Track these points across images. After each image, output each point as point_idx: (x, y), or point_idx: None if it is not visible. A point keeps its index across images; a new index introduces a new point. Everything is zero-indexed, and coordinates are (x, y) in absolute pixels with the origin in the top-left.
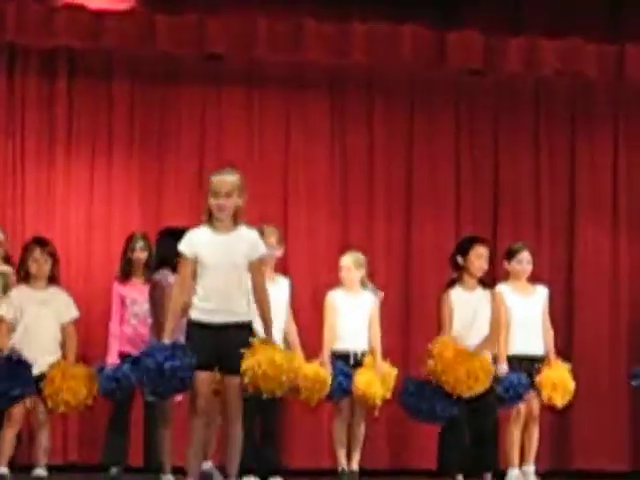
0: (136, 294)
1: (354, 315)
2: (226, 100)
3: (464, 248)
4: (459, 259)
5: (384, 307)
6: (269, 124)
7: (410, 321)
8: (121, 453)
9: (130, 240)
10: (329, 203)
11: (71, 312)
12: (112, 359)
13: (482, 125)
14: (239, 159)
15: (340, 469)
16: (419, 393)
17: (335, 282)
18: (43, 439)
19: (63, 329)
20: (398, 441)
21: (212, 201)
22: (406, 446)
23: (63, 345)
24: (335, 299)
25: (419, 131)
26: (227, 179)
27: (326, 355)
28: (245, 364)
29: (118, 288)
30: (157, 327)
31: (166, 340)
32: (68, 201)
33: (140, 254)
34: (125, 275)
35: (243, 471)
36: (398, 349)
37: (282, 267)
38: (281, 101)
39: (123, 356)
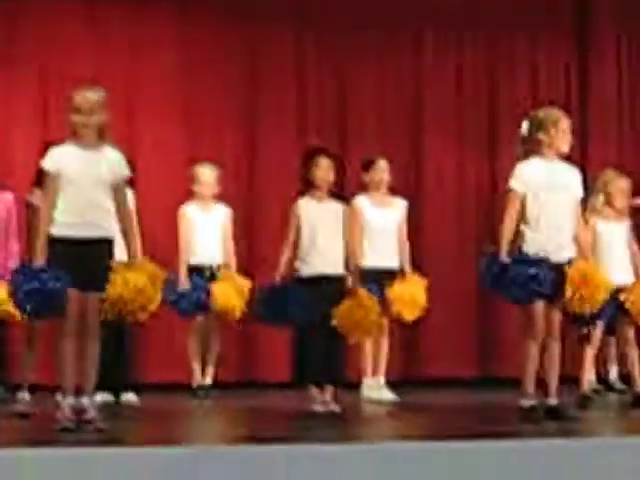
0: None
1: (208, 228)
2: (69, 17)
3: (308, 160)
4: (304, 172)
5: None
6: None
7: (256, 233)
8: None
9: None
10: (177, 116)
11: None
12: None
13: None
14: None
15: (195, 384)
16: (271, 299)
17: (187, 196)
18: None
19: None
20: (249, 354)
21: (75, 118)
22: (257, 359)
23: None
24: (189, 213)
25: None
26: (90, 96)
27: (182, 270)
28: (108, 288)
29: None
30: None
31: (39, 261)
32: None
33: None
34: None
35: (96, 387)
36: (244, 261)
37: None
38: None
39: None
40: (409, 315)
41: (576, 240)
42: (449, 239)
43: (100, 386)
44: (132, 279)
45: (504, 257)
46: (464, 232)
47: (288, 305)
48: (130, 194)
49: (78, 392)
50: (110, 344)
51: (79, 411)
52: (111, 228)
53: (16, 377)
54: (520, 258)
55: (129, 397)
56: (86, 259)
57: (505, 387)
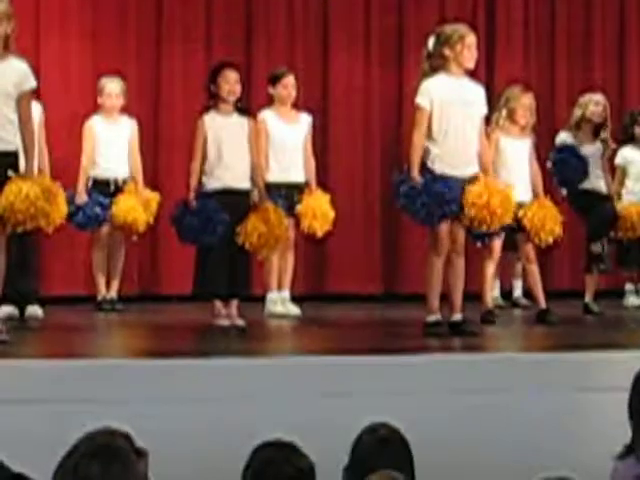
0: None
1: (114, 141)
2: None
3: (214, 74)
4: (211, 86)
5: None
6: None
7: (162, 147)
8: None
9: None
10: (83, 28)
11: None
12: None
13: None
14: None
15: (100, 297)
16: (186, 216)
17: (91, 109)
18: None
19: None
20: (152, 267)
21: None
22: (160, 272)
23: None
24: (94, 126)
25: None
26: None
27: (81, 183)
28: (0, 197)
29: None
30: None
31: None
32: None
33: None
34: None
35: (1, 300)
36: (150, 175)
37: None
38: None
39: None
40: (320, 229)
41: (479, 158)
42: (354, 156)
43: (4, 299)
44: (24, 189)
45: (415, 177)
46: (370, 150)
47: (203, 226)
48: (38, 107)
49: None
50: (14, 257)
51: None
52: (15, 140)
53: None
54: (427, 179)
55: (34, 310)
56: None
57: (410, 303)
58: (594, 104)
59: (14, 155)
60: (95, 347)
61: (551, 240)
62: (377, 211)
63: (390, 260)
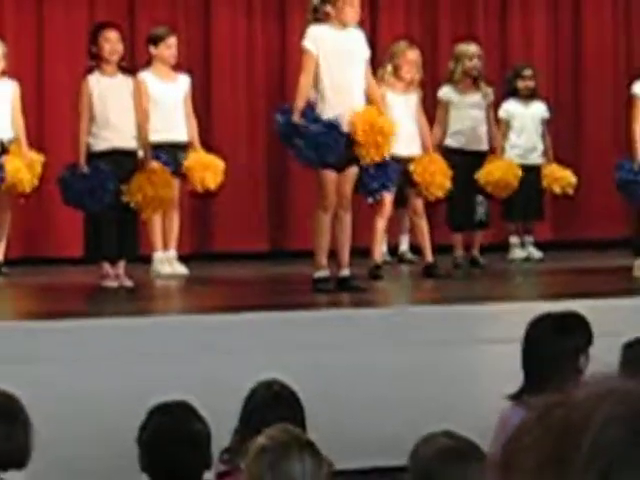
0: None
1: None
2: None
3: (95, 34)
4: (92, 47)
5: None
6: None
7: (45, 108)
8: None
9: None
10: None
11: None
12: None
13: None
14: None
15: None
16: (74, 182)
17: None
18: None
19: None
20: (38, 229)
21: None
22: (46, 234)
23: None
24: None
25: None
26: None
27: None
28: None
29: None
30: None
31: None
32: None
33: None
34: None
35: None
36: (34, 137)
37: None
38: None
39: None
40: (213, 181)
41: (368, 93)
42: (239, 113)
43: None
44: None
45: (297, 118)
46: (254, 107)
47: (91, 192)
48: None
49: None
50: None
51: None
52: None
53: None
54: (313, 119)
55: None
56: None
57: (298, 260)
58: (468, 59)
59: None
60: None
61: (441, 194)
62: (262, 169)
63: (277, 217)
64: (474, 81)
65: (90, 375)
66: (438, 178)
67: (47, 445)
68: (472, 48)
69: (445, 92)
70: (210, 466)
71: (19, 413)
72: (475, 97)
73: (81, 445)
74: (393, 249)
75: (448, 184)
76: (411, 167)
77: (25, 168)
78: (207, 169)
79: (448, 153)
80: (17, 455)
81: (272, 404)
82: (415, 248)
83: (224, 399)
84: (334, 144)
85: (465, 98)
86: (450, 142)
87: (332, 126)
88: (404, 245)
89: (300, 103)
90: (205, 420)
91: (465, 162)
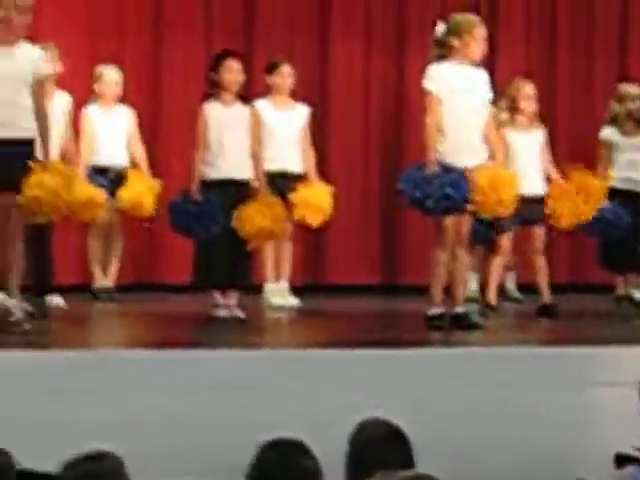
0: None
1: (112, 130)
2: None
3: (217, 62)
4: (212, 75)
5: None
6: None
7: (160, 136)
8: None
9: None
10: (80, 16)
11: None
12: None
13: None
14: None
15: (96, 286)
16: (184, 208)
17: (88, 97)
18: None
19: None
20: (147, 255)
21: None
22: (160, 260)
23: None
24: (90, 114)
25: None
26: None
27: (82, 170)
28: (24, 190)
29: None
30: None
31: None
32: None
33: None
34: None
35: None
36: (149, 165)
37: None
38: None
39: None
40: (313, 220)
41: (488, 141)
42: (354, 146)
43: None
44: (47, 181)
45: (431, 162)
46: (370, 140)
47: (199, 220)
48: (67, 98)
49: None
50: (32, 247)
51: (4, 313)
52: (33, 128)
53: None
54: (435, 173)
55: (56, 300)
56: (6, 158)
57: (409, 294)
58: (631, 101)
59: (31, 143)
60: (94, 338)
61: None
62: (376, 201)
63: (389, 250)
64: (637, 122)
65: (197, 406)
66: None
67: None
68: (634, 90)
69: (608, 134)
70: None
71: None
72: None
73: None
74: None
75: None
76: (546, 202)
77: (146, 191)
78: (310, 207)
79: (615, 195)
80: None
81: (382, 443)
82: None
83: (330, 435)
84: (457, 194)
85: (630, 140)
86: (618, 184)
87: (453, 173)
88: (511, 283)
89: (431, 152)
90: (315, 457)
91: (635, 205)
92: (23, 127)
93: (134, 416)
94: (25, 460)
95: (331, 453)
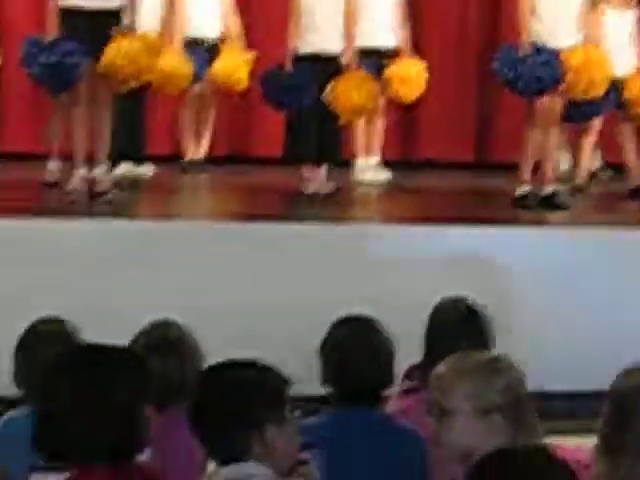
0: None
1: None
2: None
3: None
4: None
5: None
6: None
7: (255, 9)
8: None
9: None
10: None
11: None
12: None
13: None
14: None
15: (187, 157)
16: (277, 81)
17: None
18: None
19: None
20: (241, 128)
21: None
22: (252, 133)
23: None
24: None
25: None
26: None
27: (177, 41)
28: (102, 55)
29: None
30: None
31: (52, 32)
32: None
33: None
34: None
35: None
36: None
37: None
38: None
39: None
40: (408, 95)
41: (582, 20)
42: (450, 21)
43: (119, 158)
44: (125, 46)
45: (524, 49)
46: (466, 15)
47: (291, 93)
48: None
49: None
50: (125, 115)
51: (92, 182)
52: None
53: (44, 147)
54: (529, 53)
55: (145, 169)
56: (93, 29)
57: (502, 172)
58: None
59: (118, 13)
60: (179, 209)
61: None
62: (472, 78)
63: (483, 127)
64: None
65: (282, 281)
66: None
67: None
68: None
69: None
70: (392, 382)
71: (179, 345)
72: None
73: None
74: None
75: None
76: (624, 87)
77: (240, 65)
78: (404, 82)
79: None
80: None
81: (459, 322)
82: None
83: (407, 314)
84: (551, 78)
85: None
86: None
87: (547, 54)
88: (597, 162)
89: (524, 33)
90: (389, 336)
91: None
92: None
93: (215, 288)
94: (101, 329)
95: (406, 332)
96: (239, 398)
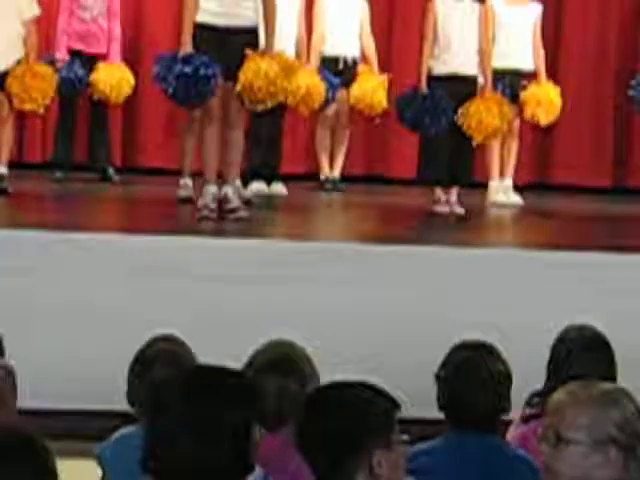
0: None
1: (345, 19)
2: None
3: None
4: None
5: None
6: None
7: (394, 31)
8: (67, 152)
9: None
10: None
11: (33, 9)
12: (61, 54)
13: None
14: None
15: (323, 176)
16: (413, 103)
17: None
18: (5, 137)
19: (24, 26)
20: (377, 149)
21: None
22: (385, 154)
23: (24, 43)
24: (325, 2)
25: None
26: None
27: (313, 60)
28: (239, 75)
29: None
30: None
31: (186, 48)
32: None
33: None
34: None
35: (252, 176)
36: (381, 58)
37: None
38: None
39: (73, 53)
40: (544, 118)
41: None
42: (589, 45)
43: (254, 176)
44: (263, 67)
45: None
46: (605, 40)
47: (427, 114)
48: None
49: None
50: (261, 134)
51: (222, 200)
52: (255, 17)
53: (178, 164)
54: None
55: (278, 188)
56: (229, 48)
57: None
58: None
59: (253, 32)
60: (310, 228)
61: None
62: (609, 103)
63: (621, 153)
64: None
65: (409, 303)
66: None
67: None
68: None
69: None
70: (508, 409)
71: (294, 366)
72: None
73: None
74: None
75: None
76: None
77: (378, 88)
78: (540, 105)
79: None
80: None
81: (584, 351)
82: None
83: (532, 340)
84: None
85: None
86: None
87: None
88: None
89: None
90: (506, 362)
91: None
92: (243, 16)
93: (341, 308)
94: (223, 343)
95: (530, 358)
96: (345, 420)
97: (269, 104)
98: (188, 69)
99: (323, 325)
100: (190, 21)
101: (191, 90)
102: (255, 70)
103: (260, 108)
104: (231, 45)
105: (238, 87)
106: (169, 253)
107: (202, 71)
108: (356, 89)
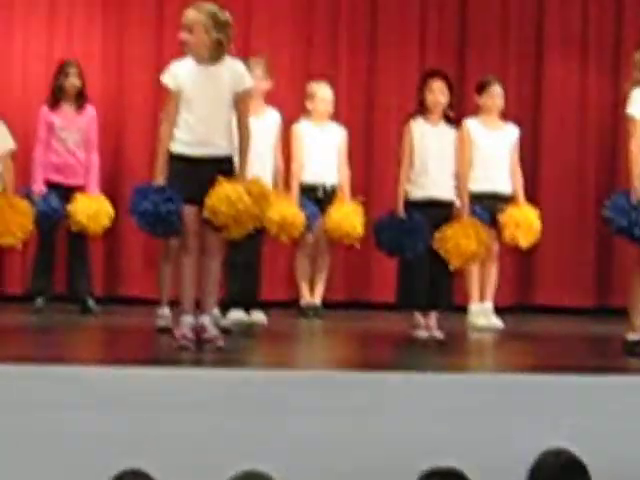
0: (65, 121)
1: (323, 147)
2: None
3: (422, 82)
4: (420, 94)
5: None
6: None
7: (372, 157)
8: (46, 284)
9: (62, 66)
10: (292, 35)
11: (8, 143)
12: (38, 187)
13: None
14: None
15: (303, 303)
16: (390, 227)
17: (300, 112)
18: None
19: (0, 161)
20: (358, 275)
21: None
22: (366, 280)
23: (1, 177)
24: (302, 130)
25: None
26: (188, 13)
27: (294, 189)
28: (206, 200)
29: (46, 114)
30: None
31: (159, 180)
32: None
33: (74, 80)
34: (55, 101)
35: (231, 304)
36: (360, 185)
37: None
38: None
39: (50, 185)
40: (524, 240)
41: None
42: (567, 166)
43: (232, 304)
44: (227, 192)
45: (636, 196)
46: (584, 161)
47: (404, 238)
48: (276, 115)
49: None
50: (239, 262)
51: (199, 330)
52: (229, 146)
53: (156, 293)
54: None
55: (258, 316)
56: (202, 177)
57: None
58: None
59: (226, 160)
60: (298, 357)
61: None
62: (590, 224)
63: (603, 272)
64: None
65: (387, 429)
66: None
67: None
68: None
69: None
70: None
71: None
72: None
73: None
74: None
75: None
76: None
77: (353, 215)
78: (519, 227)
79: None
80: None
81: (560, 478)
82: None
83: (510, 467)
84: None
85: None
86: None
87: None
88: None
89: (636, 179)
90: None
91: None
92: (219, 145)
93: (316, 436)
94: (196, 475)
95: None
96: None
97: (240, 231)
98: (149, 206)
99: (305, 455)
100: (163, 153)
101: (155, 226)
102: (219, 195)
103: (234, 235)
104: (204, 174)
105: (204, 212)
106: (147, 384)
107: (162, 207)
108: (331, 218)
